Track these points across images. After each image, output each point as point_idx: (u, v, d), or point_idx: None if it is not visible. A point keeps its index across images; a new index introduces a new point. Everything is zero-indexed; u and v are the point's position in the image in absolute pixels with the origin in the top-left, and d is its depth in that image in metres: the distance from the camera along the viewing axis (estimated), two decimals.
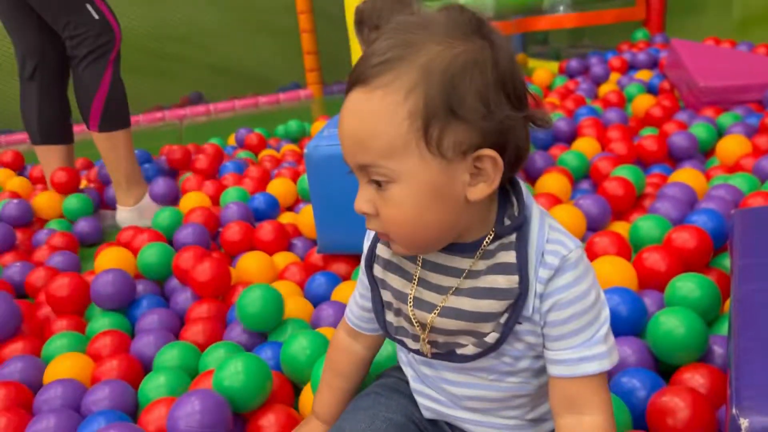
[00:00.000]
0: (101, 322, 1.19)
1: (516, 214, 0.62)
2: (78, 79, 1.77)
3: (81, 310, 1.27)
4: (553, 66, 3.00)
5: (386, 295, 0.69)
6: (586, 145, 1.79)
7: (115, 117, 1.79)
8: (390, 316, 0.69)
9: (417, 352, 0.68)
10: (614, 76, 2.60)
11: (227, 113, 3.65)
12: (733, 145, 1.65)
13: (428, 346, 0.66)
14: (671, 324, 0.93)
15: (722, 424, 0.82)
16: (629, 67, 2.71)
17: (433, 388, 0.71)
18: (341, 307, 1.14)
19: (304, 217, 1.53)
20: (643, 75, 2.53)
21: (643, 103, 2.13)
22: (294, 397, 0.99)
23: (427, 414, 0.73)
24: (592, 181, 1.65)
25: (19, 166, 2.39)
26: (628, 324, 0.99)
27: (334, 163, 1.27)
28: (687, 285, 1.02)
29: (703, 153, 1.79)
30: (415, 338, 0.67)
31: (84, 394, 0.98)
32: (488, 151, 0.57)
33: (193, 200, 1.75)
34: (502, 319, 0.62)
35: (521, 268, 0.60)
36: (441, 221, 0.59)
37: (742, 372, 0.67)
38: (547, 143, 1.90)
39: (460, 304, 0.63)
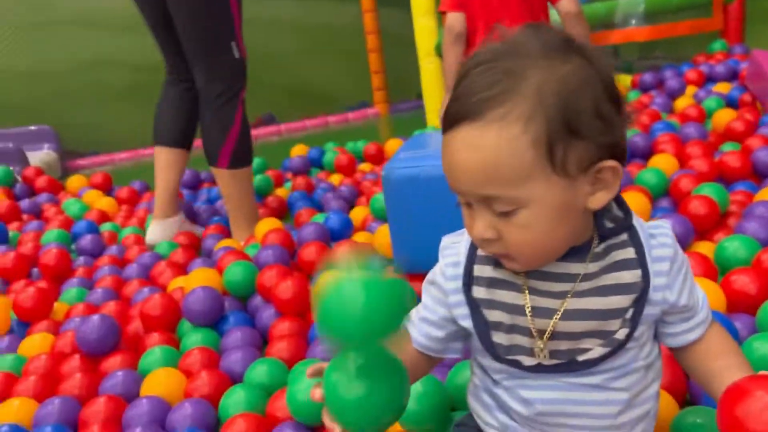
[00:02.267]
0: (193, 338, 1.25)
1: (620, 215, 0.65)
2: (211, 117, 1.74)
3: (172, 326, 1.33)
4: (625, 79, 2.93)
5: (494, 315, 0.67)
6: (664, 162, 1.74)
7: (245, 154, 1.79)
8: (499, 337, 0.67)
9: (532, 369, 0.66)
10: (690, 90, 2.52)
11: (298, 132, 3.75)
12: None
13: (547, 353, 0.65)
14: (767, 349, 0.90)
15: None
16: (706, 80, 2.62)
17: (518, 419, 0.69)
18: None
19: (380, 237, 1.55)
20: (722, 88, 2.44)
21: (723, 117, 2.05)
22: None
23: None
24: (672, 199, 1.61)
25: (107, 187, 2.54)
26: None
27: (411, 184, 1.29)
28: None
29: None
30: (530, 352, 0.65)
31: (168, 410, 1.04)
32: (610, 162, 0.59)
33: (267, 225, 1.77)
34: (628, 315, 0.64)
35: (642, 264, 0.64)
36: (566, 234, 0.61)
37: None
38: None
39: (585, 305, 0.64)
